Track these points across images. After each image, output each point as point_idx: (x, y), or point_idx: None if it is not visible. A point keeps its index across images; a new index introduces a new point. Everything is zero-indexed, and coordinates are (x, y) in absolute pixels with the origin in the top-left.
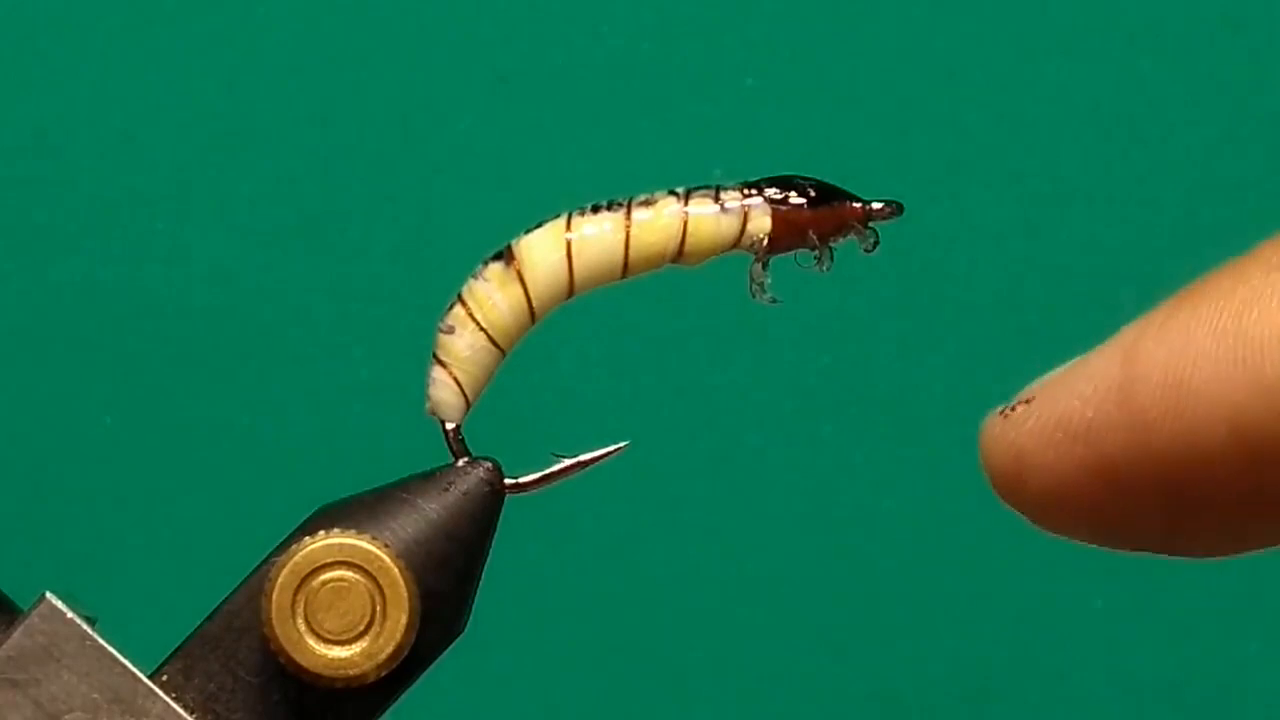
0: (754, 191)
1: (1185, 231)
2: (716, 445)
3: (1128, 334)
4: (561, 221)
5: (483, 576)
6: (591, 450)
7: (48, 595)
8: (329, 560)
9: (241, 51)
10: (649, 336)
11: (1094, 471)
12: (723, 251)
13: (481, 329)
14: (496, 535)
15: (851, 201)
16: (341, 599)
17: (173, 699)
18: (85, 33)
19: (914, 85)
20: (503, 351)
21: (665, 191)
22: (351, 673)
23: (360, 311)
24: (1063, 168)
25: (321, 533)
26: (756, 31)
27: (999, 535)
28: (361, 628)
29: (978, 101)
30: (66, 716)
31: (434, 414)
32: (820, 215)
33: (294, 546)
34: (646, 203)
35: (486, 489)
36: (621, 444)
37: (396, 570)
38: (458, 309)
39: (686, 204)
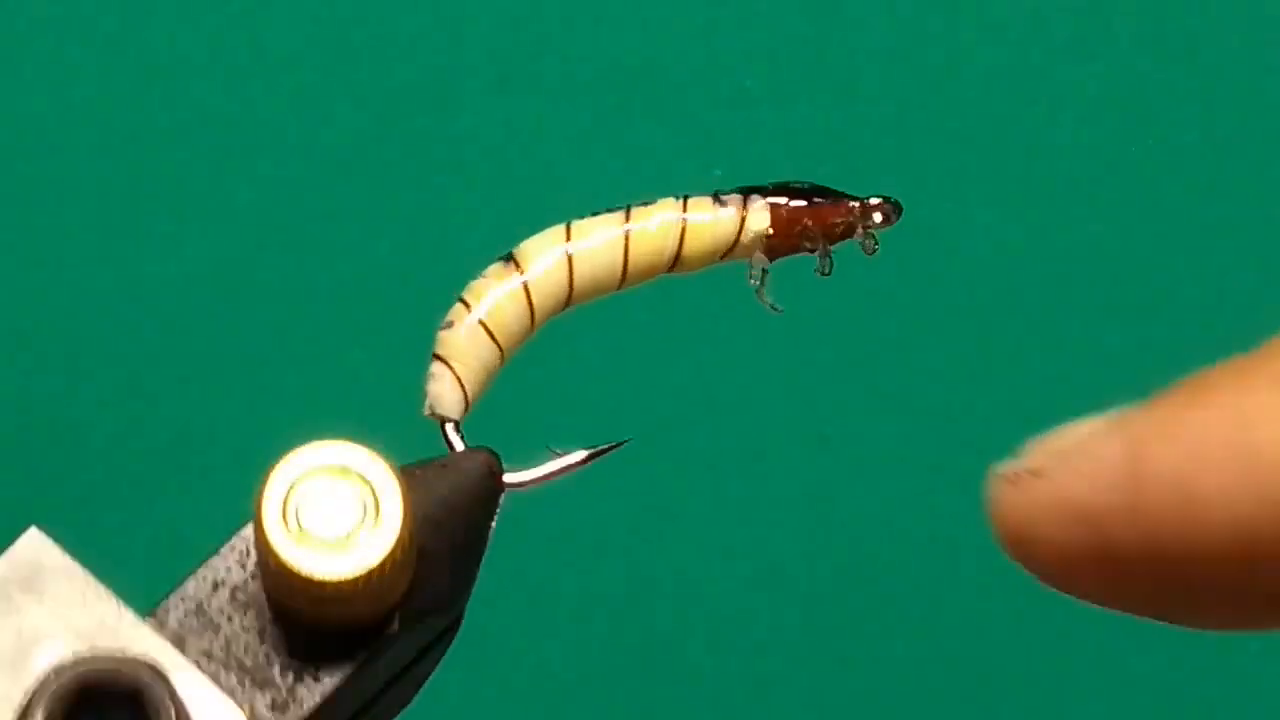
0: (753, 195)
1: (1187, 230)
2: (716, 445)
3: (1134, 424)
4: (561, 227)
5: (482, 565)
6: (591, 448)
7: (33, 528)
8: (322, 464)
9: (241, 48)
10: (649, 333)
11: (1097, 551)
12: (721, 256)
13: (481, 322)
14: (496, 533)
15: (849, 200)
16: (333, 502)
17: (161, 631)
18: (85, 28)
19: (914, 86)
20: (501, 351)
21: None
22: (343, 579)
23: (360, 311)
24: (1063, 167)
25: (315, 442)
26: (756, 33)
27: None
28: (354, 531)
29: (978, 101)
30: (45, 640)
31: (433, 411)
32: (818, 211)
33: (285, 454)
34: (645, 204)
35: (486, 470)
36: (621, 441)
37: (391, 473)
38: (458, 306)
39: (685, 207)
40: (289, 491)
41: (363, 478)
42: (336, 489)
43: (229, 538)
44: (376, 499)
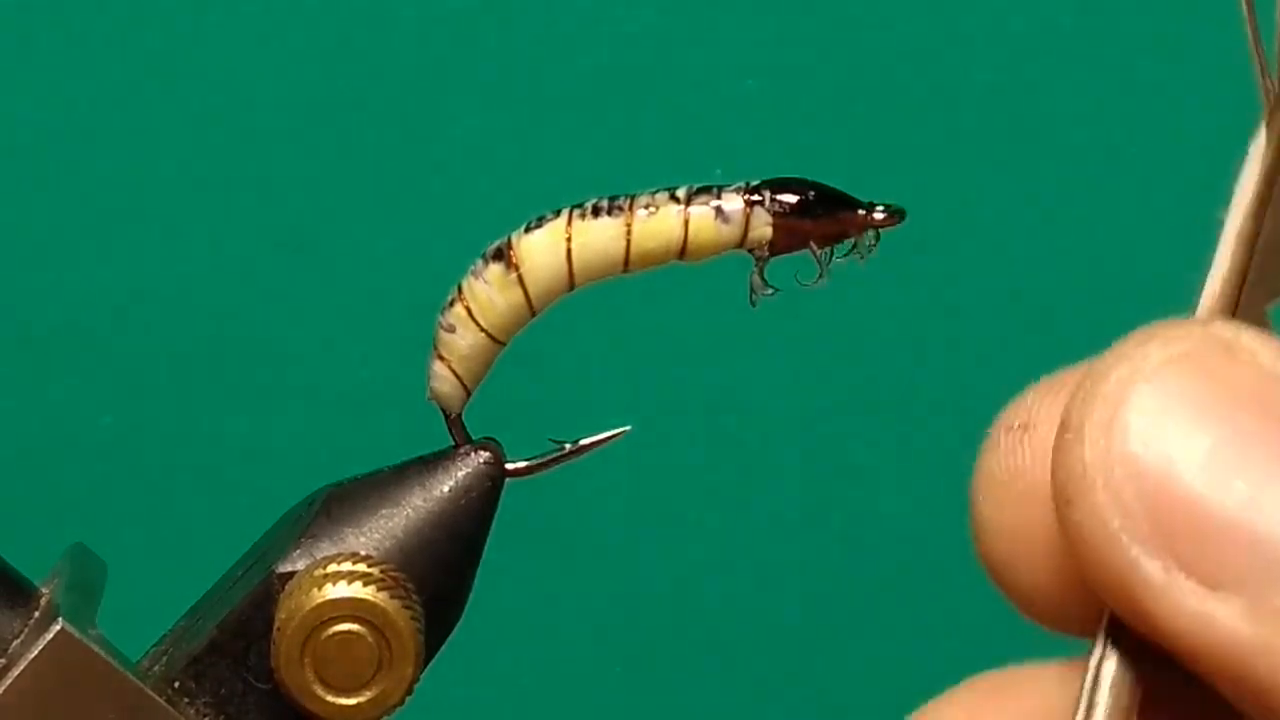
0: (756, 196)
1: (1186, 231)
2: (716, 444)
3: None
4: (562, 223)
5: (480, 560)
6: (591, 435)
7: (63, 624)
8: (337, 614)
9: (242, 51)
10: (652, 331)
11: None
12: (724, 253)
13: (482, 330)
14: (496, 517)
15: (854, 209)
16: (349, 651)
17: (185, 704)
18: (86, 31)
19: (914, 85)
20: (502, 344)
21: (666, 192)
22: (359, 718)
23: (360, 308)
24: (1063, 167)
25: (331, 569)
26: (757, 32)
27: None
28: (369, 677)
29: (978, 101)
30: None
31: (435, 403)
32: (822, 225)
33: (303, 599)
34: (648, 206)
35: (488, 484)
36: (621, 429)
37: (402, 623)
38: (458, 309)
39: (689, 206)
40: (305, 640)
41: (374, 626)
42: (351, 639)
43: (239, 603)
44: (390, 646)
